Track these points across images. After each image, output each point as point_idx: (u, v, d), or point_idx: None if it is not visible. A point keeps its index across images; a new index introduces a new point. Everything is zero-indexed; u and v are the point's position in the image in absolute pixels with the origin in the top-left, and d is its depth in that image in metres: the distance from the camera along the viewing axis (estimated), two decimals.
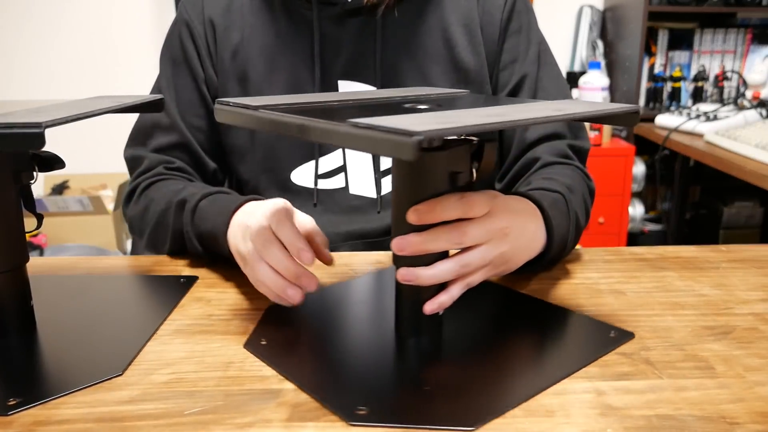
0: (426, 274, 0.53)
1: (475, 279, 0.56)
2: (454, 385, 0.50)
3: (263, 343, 0.56)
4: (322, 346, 0.57)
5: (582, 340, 0.57)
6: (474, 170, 0.54)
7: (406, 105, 0.57)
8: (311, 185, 0.87)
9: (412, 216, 0.52)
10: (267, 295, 0.61)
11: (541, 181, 0.75)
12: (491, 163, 0.54)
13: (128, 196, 0.84)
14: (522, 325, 0.60)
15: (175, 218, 0.74)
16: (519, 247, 0.61)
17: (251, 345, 0.57)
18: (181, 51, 0.86)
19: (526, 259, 0.64)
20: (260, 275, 0.59)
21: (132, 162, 0.86)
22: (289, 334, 0.59)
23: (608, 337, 0.56)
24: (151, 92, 0.89)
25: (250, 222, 0.62)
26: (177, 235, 0.75)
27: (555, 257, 0.70)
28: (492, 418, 0.45)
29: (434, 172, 0.53)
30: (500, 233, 0.57)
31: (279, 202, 0.62)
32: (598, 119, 0.53)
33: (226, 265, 0.72)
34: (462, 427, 0.44)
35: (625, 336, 0.57)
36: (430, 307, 0.54)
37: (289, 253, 0.58)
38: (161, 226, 0.77)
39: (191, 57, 0.85)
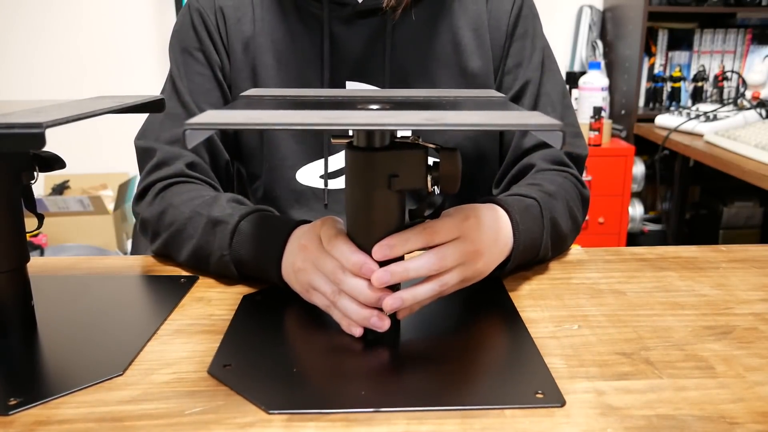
0: (406, 297, 0.55)
1: (447, 292, 0.59)
2: (327, 373, 0.52)
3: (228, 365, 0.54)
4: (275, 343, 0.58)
5: (502, 384, 0.50)
6: (430, 178, 0.54)
7: (359, 105, 0.56)
8: (316, 185, 0.86)
9: (378, 253, 0.54)
10: (340, 323, 0.58)
11: (523, 188, 0.76)
12: (452, 174, 0.54)
13: (140, 194, 0.81)
14: (471, 341, 0.57)
15: (203, 234, 0.70)
16: (490, 261, 0.63)
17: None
18: (195, 38, 0.84)
19: (495, 266, 0.65)
20: (342, 308, 0.56)
21: (143, 154, 0.83)
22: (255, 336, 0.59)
23: (533, 395, 0.48)
24: (163, 85, 0.87)
25: (305, 254, 0.60)
26: (201, 251, 0.71)
27: (523, 261, 0.70)
28: (293, 410, 0.46)
29: (375, 171, 0.53)
30: (473, 255, 0.59)
31: (328, 222, 0.59)
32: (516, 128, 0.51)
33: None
34: (261, 406, 0.46)
35: (553, 401, 0.48)
36: (391, 302, 0.55)
37: (364, 278, 0.55)
38: (182, 236, 0.73)
39: (206, 43, 0.84)
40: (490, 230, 0.62)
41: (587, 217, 2.37)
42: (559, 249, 0.77)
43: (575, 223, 0.79)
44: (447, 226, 0.57)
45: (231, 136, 0.88)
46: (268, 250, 0.65)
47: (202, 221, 0.71)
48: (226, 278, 0.71)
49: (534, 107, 0.87)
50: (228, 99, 0.86)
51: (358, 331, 0.56)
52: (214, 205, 0.72)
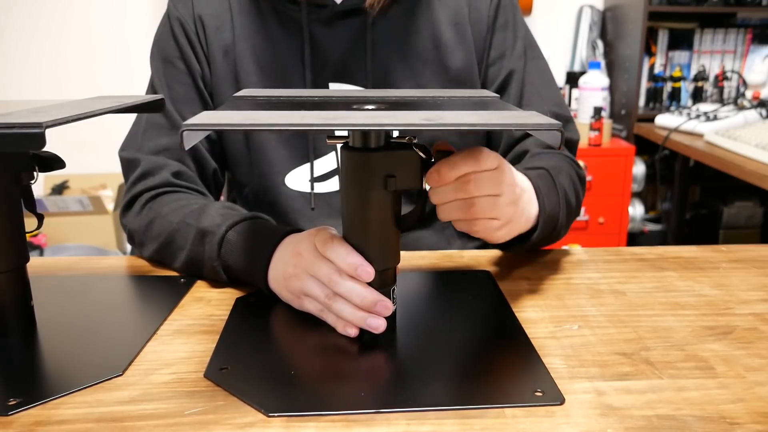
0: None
1: (479, 228, 0.59)
2: (325, 374, 0.51)
3: (224, 369, 0.53)
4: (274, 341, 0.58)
5: (500, 384, 0.50)
6: (425, 179, 0.54)
7: (354, 105, 0.56)
8: (305, 189, 0.86)
9: (432, 180, 0.54)
10: (335, 326, 0.58)
11: (525, 164, 0.77)
12: None
13: (127, 205, 0.81)
14: (468, 341, 0.57)
15: (193, 245, 0.70)
16: (523, 209, 0.63)
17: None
18: (175, 48, 0.84)
19: (525, 228, 0.65)
20: (337, 311, 0.56)
21: (127, 165, 0.83)
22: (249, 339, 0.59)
23: (531, 394, 0.48)
24: (146, 94, 0.87)
25: (298, 261, 0.60)
26: (193, 262, 0.71)
27: (546, 232, 0.70)
28: (291, 412, 0.46)
29: (371, 172, 0.53)
30: (511, 187, 0.59)
31: (322, 229, 0.59)
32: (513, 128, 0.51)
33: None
34: (260, 409, 0.46)
35: (552, 399, 0.48)
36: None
37: (361, 281, 0.55)
38: (172, 246, 0.73)
39: (186, 52, 0.84)
40: (522, 177, 0.64)
41: (587, 217, 2.38)
42: (569, 221, 0.77)
43: (578, 199, 0.79)
44: (490, 154, 0.56)
45: (217, 144, 0.87)
46: (255, 259, 0.65)
47: (192, 232, 0.71)
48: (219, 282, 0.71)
49: (520, 97, 0.87)
50: (209, 107, 0.86)
51: (353, 332, 0.56)
52: (202, 215, 0.71)
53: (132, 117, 0.86)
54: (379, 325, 0.55)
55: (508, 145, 0.88)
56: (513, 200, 0.60)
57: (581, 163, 2.29)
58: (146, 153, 0.82)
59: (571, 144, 0.88)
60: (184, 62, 0.84)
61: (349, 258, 0.54)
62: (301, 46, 0.83)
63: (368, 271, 0.54)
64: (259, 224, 0.69)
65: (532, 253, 0.81)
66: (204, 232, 0.70)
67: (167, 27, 0.85)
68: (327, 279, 0.56)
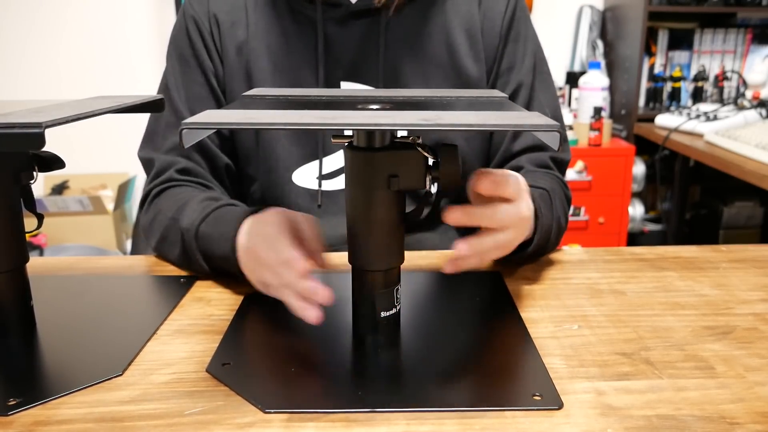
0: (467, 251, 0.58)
1: (491, 257, 0.61)
2: (325, 373, 0.52)
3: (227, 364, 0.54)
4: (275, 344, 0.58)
5: (500, 386, 0.50)
6: (429, 179, 0.54)
7: (359, 105, 0.56)
8: (313, 186, 0.86)
9: (483, 186, 0.56)
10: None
11: (528, 179, 0.78)
12: (452, 174, 0.54)
13: (141, 203, 0.84)
14: (471, 342, 0.57)
15: (181, 241, 0.73)
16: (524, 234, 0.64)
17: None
18: (189, 46, 0.85)
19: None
20: (284, 299, 0.58)
21: (146, 164, 0.86)
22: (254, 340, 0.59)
23: (530, 397, 0.48)
24: (158, 91, 0.88)
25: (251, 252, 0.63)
26: (185, 255, 0.73)
27: (539, 249, 0.72)
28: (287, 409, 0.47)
29: (374, 171, 0.53)
30: (523, 222, 0.61)
31: (271, 217, 0.61)
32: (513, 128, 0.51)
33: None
34: (258, 405, 0.47)
35: (550, 403, 0.47)
36: (450, 268, 0.58)
37: (299, 273, 0.56)
38: (167, 241, 0.76)
39: (200, 51, 0.85)
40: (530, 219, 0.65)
41: (587, 217, 2.38)
42: (557, 243, 0.79)
43: (566, 221, 0.82)
44: (515, 182, 0.59)
45: (228, 140, 0.88)
46: (223, 250, 0.67)
47: (177, 228, 0.74)
48: (221, 277, 0.71)
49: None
50: (222, 105, 0.87)
51: (311, 316, 0.56)
52: (183, 211, 0.74)
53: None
54: (309, 316, 0.55)
55: (504, 158, 0.89)
56: (522, 233, 0.63)
57: (581, 163, 2.30)
58: (160, 152, 0.84)
59: (561, 164, 0.89)
60: (198, 60, 0.85)
61: (285, 253, 0.57)
62: (315, 44, 0.83)
63: (302, 265, 0.56)
64: (223, 211, 0.71)
65: None
66: (184, 229, 0.72)
67: (182, 25, 0.87)
68: (273, 271, 0.58)
